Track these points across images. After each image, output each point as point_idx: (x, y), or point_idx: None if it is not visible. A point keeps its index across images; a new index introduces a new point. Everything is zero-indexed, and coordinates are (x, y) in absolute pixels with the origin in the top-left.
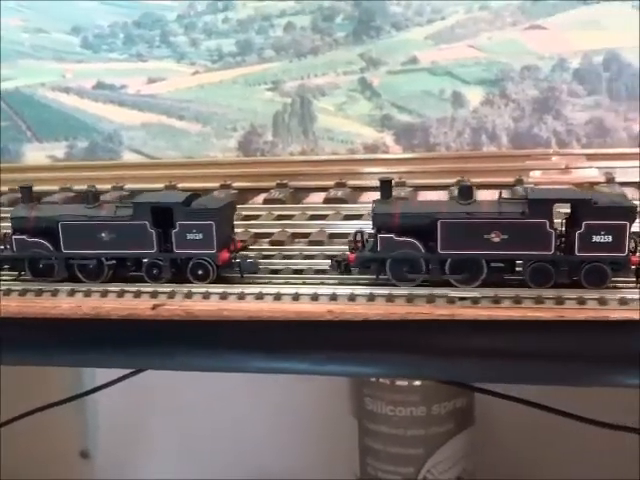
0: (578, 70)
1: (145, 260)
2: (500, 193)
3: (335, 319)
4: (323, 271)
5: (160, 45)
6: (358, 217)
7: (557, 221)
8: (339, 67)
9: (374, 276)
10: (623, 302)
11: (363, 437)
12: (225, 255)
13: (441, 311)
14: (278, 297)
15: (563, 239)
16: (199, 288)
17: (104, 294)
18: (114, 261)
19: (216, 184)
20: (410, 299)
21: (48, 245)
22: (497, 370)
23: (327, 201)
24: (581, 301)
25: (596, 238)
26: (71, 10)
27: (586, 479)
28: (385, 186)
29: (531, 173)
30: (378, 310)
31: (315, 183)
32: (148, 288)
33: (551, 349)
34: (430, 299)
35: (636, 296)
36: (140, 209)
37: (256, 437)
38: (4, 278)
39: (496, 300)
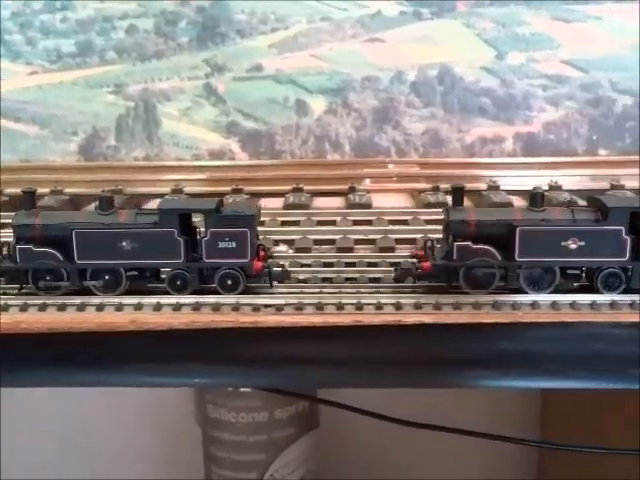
0: (415, 82)
1: (167, 270)
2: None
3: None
4: None
5: None
6: None
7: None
8: (184, 72)
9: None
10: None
11: (207, 445)
12: (259, 264)
13: (245, 318)
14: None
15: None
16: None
17: (299, 307)
18: (135, 272)
19: (46, 189)
20: (216, 308)
21: (58, 255)
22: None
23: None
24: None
25: None
26: None
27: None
28: (457, 193)
29: (366, 181)
30: (182, 320)
31: (151, 189)
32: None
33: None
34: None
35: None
36: (167, 216)
37: (102, 446)
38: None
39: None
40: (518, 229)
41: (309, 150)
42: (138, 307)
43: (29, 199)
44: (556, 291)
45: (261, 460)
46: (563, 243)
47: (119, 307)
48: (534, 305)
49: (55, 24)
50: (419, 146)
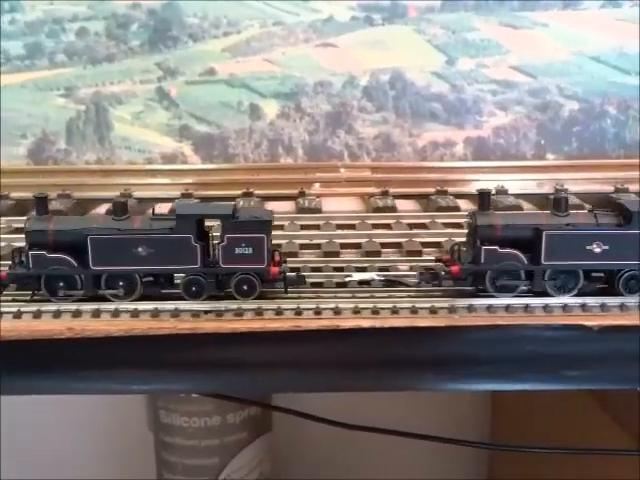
0: (367, 87)
1: (182, 276)
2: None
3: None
4: None
5: None
6: None
7: None
8: (136, 75)
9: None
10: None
11: (159, 451)
12: (275, 269)
13: (184, 325)
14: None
15: None
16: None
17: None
18: (151, 278)
19: None
20: (155, 314)
21: (72, 261)
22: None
23: (108, 212)
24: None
25: None
26: None
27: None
28: (484, 197)
29: (315, 185)
30: (121, 326)
31: (101, 194)
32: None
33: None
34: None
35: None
36: (184, 221)
37: (54, 452)
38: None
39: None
40: (545, 233)
41: (262, 154)
42: (76, 314)
43: (41, 204)
44: (579, 294)
45: (214, 464)
46: (588, 247)
47: (57, 314)
48: (470, 308)
49: (3, 26)
50: (372, 150)
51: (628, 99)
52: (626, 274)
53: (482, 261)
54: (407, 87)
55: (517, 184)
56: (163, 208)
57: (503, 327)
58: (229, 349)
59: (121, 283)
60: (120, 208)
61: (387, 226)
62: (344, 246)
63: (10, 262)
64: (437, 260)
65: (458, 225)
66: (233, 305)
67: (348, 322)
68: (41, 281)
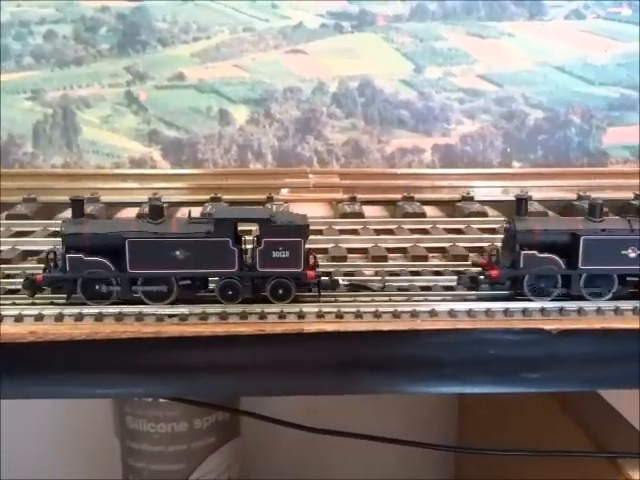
0: (336, 94)
1: (217, 279)
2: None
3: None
4: None
5: None
6: None
7: None
8: (104, 79)
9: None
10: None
11: (126, 457)
12: (311, 273)
13: (147, 329)
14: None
15: None
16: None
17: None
18: (188, 281)
19: None
20: (119, 318)
21: (109, 264)
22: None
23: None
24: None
25: None
26: None
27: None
28: (522, 203)
29: (282, 191)
30: (84, 330)
31: (66, 198)
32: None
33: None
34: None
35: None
36: (222, 225)
37: (21, 458)
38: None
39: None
40: (582, 238)
41: (232, 159)
42: (39, 318)
43: (78, 207)
44: (613, 298)
45: (181, 470)
46: (623, 252)
47: (19, 318)
48: (432, 313)
49: None
50: (341, 156)
51: (592, 109)
52: None
53: (521, 265)
54: (376, 94)
55: (483, 191)
56: (131, 212)
57: (464, 331)
58: (193, 353)
59: (157, 286)
60: (156, 211)
61: (354, 232)
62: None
63: (44, 265)
64: (474, 265)
65: (424, 231)
66: (197, 309)
67: (312, 326)
68: (77, 284)
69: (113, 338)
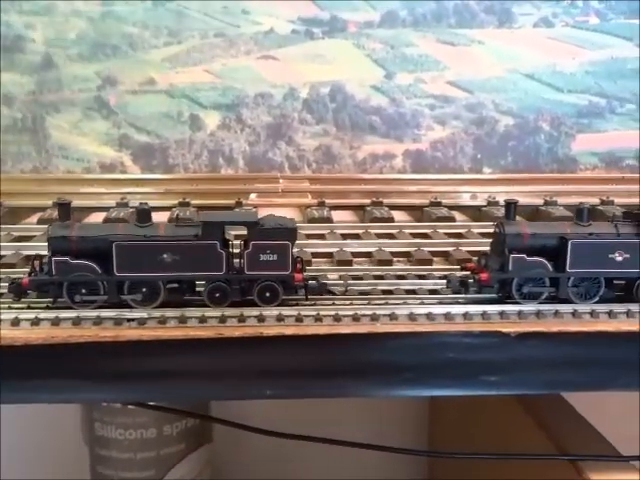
0: (307, 100)
1: (204, 283)
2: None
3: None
4: None
5: None
6: None
7: None
8: (74, 84)
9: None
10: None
11: (94, 464)
12: (299, 276)
13: (105, 333)
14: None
15: None
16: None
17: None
18: (176, 284)
19: None
20: (76, 322)
21: (96, 268)
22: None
23: (41, 222)
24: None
25: None
26: None
27: None
28: (511, 207)
29: (251, 195)
30: (40, 334)
31: (34, 202)
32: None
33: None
34: (97, 322)
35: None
36: (210, 228)
37: None
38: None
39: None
40: (570, 242)
41: (203, 164)
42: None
43: (64, 210)
44: (600, 301)
45: (150, 477)
46: (610, 255)
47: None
48: (392, 316)
49: None
50: (312, 162)
51: (561, 115)
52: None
53: (510, 268)
54: (347, 100)
55: (452, 196)
56: (99, 217)
57: (423, 334)
58: (151, 358)
59: (144, 289)
60: (144, 215)
61: (321, 236)
62: None
63: (29, 269)
64: (462, 268)
65: (391, 235)
66: (156, 313)
67: (272, 330)
68: (63, 288)
69: (72, 342)
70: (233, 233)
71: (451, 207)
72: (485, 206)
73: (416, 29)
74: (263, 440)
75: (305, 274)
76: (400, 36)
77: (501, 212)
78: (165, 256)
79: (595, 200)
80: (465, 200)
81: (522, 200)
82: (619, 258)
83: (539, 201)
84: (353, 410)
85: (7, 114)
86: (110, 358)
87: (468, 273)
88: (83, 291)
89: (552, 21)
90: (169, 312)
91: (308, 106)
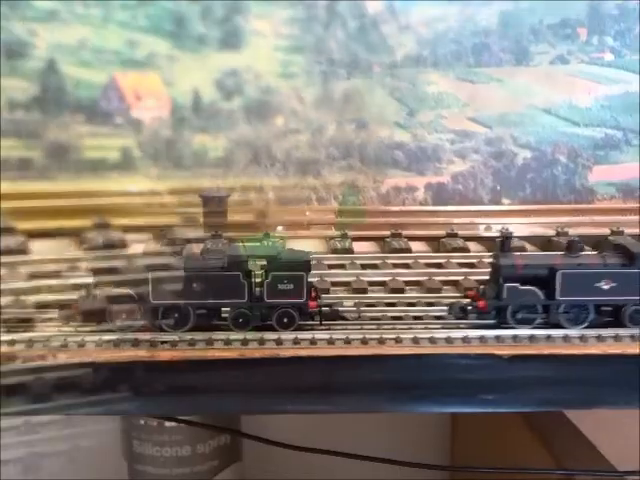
0: (333, 137)
1: (228, 309)
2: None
3: None
4: None
5: None
6: None
7: None
8: None
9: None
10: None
11: (133, 479)
12: (313, 304)
13: (142, 353)
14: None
15: None
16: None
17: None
18: (204, 310)
19: None
20: (117, 344)
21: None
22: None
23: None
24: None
25: None
26: None
27: None
28: (506, 241)
29: (278, 228)
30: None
31: None
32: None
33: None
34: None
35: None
36: (234, 261)
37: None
38: None
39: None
40: (559, 272)
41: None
42: None
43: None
44: (590, 326)
45: None
46: (596, 284)
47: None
48: (397, 340)
49: None
50: (338, 195)
51: (577, 148)
52: (631, 308)
53: (505, 296)
54: (371, 136)
55: (468, 227)
56: None
57: (424, 356)
58: (181, 375)
59: (176, 315)
60: (179, 244)
61: (342, 266)
62: None
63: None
64: (464, 296)
65: (406, 265)
66: (187, 336)
67: (288, 352)
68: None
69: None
70: (259, 264)
71: (468, 238)
72: (499, 237)
73: (437, 68)
74: (289, 457)
75: (320, 301)
76: (421, 75)
77: (515, 243)
78: (195, 285)
79: (606, 231)
80: (482, 231)
81: (538, 231)
82: (606, 286)
83: (551, 232)
84: (376, 425)
85: None
86: (146, 375)
87: (469, 300)
88: (123, 316)
89: (567, 58)
90: (198, 335)
91: (334, 142)
